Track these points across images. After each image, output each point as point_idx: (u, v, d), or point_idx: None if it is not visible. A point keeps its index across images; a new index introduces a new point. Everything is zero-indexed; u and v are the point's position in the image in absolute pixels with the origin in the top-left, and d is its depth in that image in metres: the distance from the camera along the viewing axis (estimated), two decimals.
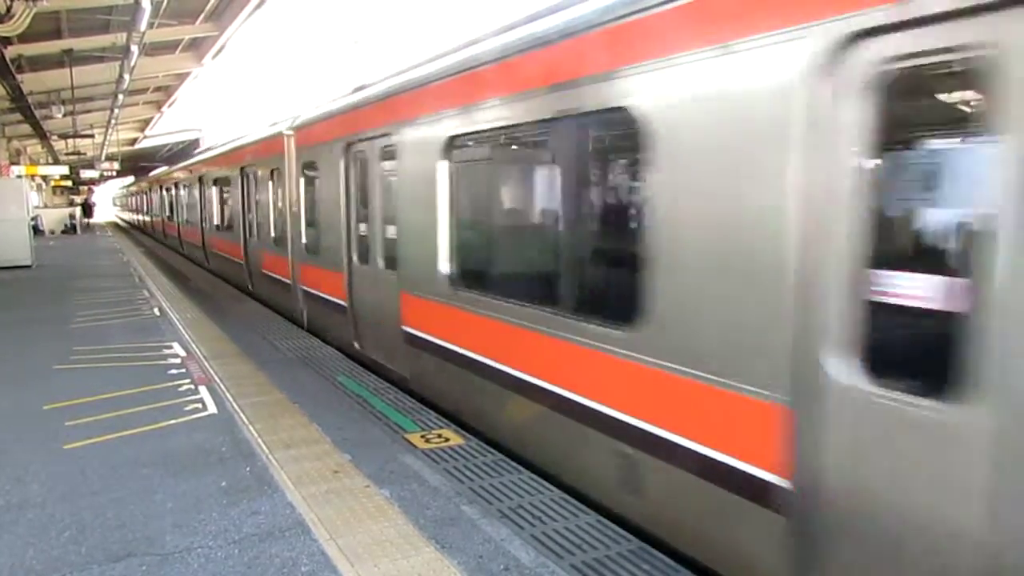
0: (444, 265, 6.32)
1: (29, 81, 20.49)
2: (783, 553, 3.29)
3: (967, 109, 3.12)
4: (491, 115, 5.60)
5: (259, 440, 5.75)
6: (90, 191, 67.06)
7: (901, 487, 2.84)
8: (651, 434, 3.97)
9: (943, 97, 3.24)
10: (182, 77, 27.07)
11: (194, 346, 9.29)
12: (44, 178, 36.92)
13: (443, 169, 6.30)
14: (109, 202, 75.89)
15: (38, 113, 24.28)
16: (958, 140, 3.28)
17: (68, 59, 19.74)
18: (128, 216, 53.83)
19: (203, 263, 19.97)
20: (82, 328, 10.73)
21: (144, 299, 13.73)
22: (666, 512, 4.04)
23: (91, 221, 48.50)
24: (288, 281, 11.48)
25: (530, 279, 5.64)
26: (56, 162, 37.19)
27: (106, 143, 37.05)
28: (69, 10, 16.48)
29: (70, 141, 30.50)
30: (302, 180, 10.60)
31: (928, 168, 3.34)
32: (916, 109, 3.31)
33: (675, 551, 3.95)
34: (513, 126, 5.48)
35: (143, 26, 14.25)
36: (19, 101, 21.33)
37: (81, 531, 4.27)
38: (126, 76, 19.55)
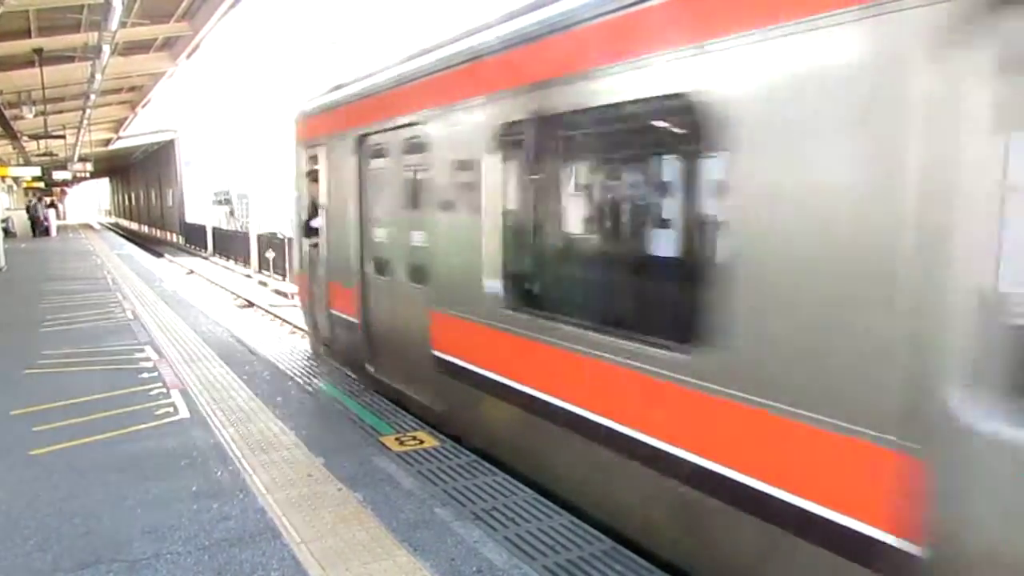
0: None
1: None
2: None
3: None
4: None
5: (231, 444, 5.69)
6: (63, 192, 65.99)
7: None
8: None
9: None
10: (156, 77, 26.69)
11: (167, 349, 9.18)
12: (15, 179, 36.26)
13: None
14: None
15: (8, 113, 23.81)
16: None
17: (38, 58, 19.38)
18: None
19: None
20: (53, 332, 10.56)
21: (117, 302, 13.55)
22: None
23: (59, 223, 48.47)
24: None
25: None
26: (27, 163, 36.51)
27: (79, 144, 36.48)
28: (39, 9, 16.19)
29: (42, 142, 29.96)
30: None
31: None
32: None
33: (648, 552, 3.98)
34: None
35: (115, 25, 14.00)
36: None
37: (47, 538, 4.20)
38: (98, 76, 19.23)
